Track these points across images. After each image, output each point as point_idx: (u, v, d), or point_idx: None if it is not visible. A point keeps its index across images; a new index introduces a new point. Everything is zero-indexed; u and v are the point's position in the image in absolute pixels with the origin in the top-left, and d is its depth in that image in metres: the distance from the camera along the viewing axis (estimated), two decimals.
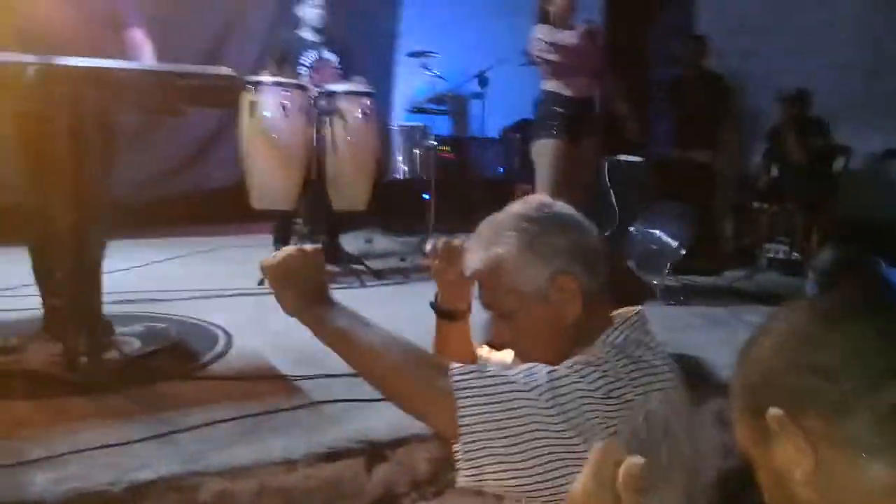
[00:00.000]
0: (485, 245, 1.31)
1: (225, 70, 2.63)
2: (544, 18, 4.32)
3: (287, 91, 4.41)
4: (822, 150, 5.43)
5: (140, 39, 3.07)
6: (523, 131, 5.93)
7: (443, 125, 6.96)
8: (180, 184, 6.22)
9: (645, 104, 6.78)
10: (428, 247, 1.51)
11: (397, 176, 5.21)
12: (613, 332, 1.28)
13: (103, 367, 2.52)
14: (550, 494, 1.13)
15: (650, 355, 1.25)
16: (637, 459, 0.72)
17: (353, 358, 1.18)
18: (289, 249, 1.23)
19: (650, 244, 4.57)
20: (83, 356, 2.48)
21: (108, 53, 2.66)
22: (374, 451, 2.14)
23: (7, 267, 3.42)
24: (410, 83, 7.31)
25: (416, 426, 1.75)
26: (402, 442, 2.15)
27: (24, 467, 1.88)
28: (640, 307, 1.35)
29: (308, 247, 1.25)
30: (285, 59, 4.83)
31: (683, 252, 4.49)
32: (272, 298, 1.21)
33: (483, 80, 5.99)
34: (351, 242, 5.18)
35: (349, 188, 4.63)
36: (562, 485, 1.11)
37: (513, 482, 1.12)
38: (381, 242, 5.73)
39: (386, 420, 2.20)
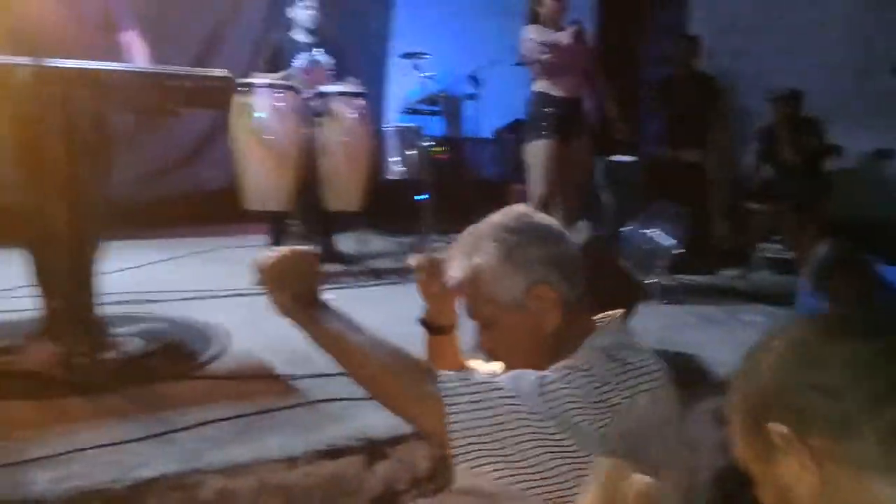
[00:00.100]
0: (465, 255, 1.33)
1: (218, 71, 2.63)
2: (534, 19, 4.34)
3: (279, 92, 4.43)
4: (814, 150, 5.46)
5: (133, 41, 3.07)
6: (517, 132, 5.95)
7: (436, 126, 6.96)
8: (175, 185, 6.21)
9: (636, 104, 6.81)
10: (412, 262, 1.52)
11: (391, 177, 5.21)
12: (597, 336, 1.30)
13: (102, 367, 2.52)
14: (546, 489, 1.15)
15: (635, 356, 1.27)
16: (645, 478, 0.72)
17: (344, 359, 1.20)
18: (283, 250, 1.24)
19: (644, 244, 4.59)
20: (81, 356, 2.49)
21: (102, 55, 2.67)
22: (374, 449, 2.15)
23: (4, 268, 3.41)
24: (403, 84, 7.31)
25: None
26: (401, 439, 2.16)
27: (25, 467, 1.88)
28: (620, 310, 1.37)
29: (302, 247, 1.27)
30: (278, 61, 4.84)
31: (677, 251, 4.52)
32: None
33: (476, 81, 6.01)
34: (345, 243, 5.18)
35: (343, 188, 4.65)
36: (557, 480, 1.13)
37: (509, 478, 1.14)
38: (376, 243, 5.73)
39: (385, 418, 2.18)
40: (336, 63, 4.94)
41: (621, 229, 4.78)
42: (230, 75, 2.66)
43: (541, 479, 1.13)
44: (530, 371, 1.20)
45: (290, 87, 4.50)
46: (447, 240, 1.44)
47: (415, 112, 6.49)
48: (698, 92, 5.71)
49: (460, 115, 7.29)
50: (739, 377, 0.87)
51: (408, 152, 5.14)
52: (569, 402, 1.15)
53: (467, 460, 1.12)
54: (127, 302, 3.49)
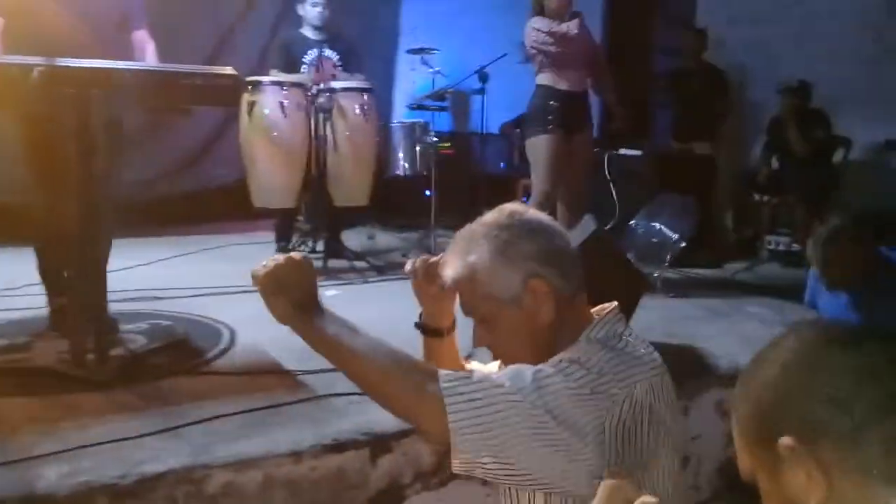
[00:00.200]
0: (460, 255, 1.35)
1: (227, 69, 2.66)
2: (539, 12, 4.34)
3: (286, 89, 4.45)
4: (823, 142, 5.43)
5: (145, 40, 3.10)
6: (524, 126, 5.95)
7: (443, 121, 6.97)
8: (183, 182, 6.26)
9: (645, 96, 6.79)
10: (407, 267, 1.53)
11: (398, 172, 5.23)
12: (594, 328, 1.31)
13: (110, 363, 2.54)
14: (545, 484, 1.17)
15: (631, 347, 1.29)
16: (650, 499, 0.72)
17: (343, 363, 1.21)
18: (278, 258, 1.25)
19: (651, 237, 4.59)
20: (90, 353, 2.51)
21: (116, 55, 2.70)
22: (379, 443, 2.17)
23: (13, 266, 3.45)
24: (411, 80, 7.33)
25: None
26: (406, 433, 2.17)
27: (35, 462, 1.91)
28: (616, 302, 1.38)
29: (296, 254, 1.28)
30: (288, 58, 4.86)
31: (684, 244, 4.52)
32: None
33: (483, 76, 6.01)
34: (353, 239, 5.21)
35: (350, 184, 4.67)
36: (556, 475, 1.15)
37: (504, 477, 1.16)
38: (383, 238, 5.76)
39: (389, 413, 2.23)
40: (344, 59, 4.96)
41: (628, 222, 4.79)
42: (238, 73, 2.68)
43: (540, 474, 1.15)
44: (527, 366, 1.22)
45: (297, 85, 4.53)
46: (454, 235, 1.44)
47: (422, 107, 6.50)
48: (707, 84, 5.69)
49: (468, 111, 7.29)
50: (744, 387, 0.87)
51: (415, 148, 5.15)
52: (566, 396, 1.16)
53: (467, 457, 1.14)
54: (136, 299, 3.52)
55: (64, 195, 2.53)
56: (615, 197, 5.42)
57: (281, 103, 4.39)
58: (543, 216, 1.39)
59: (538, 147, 4.33)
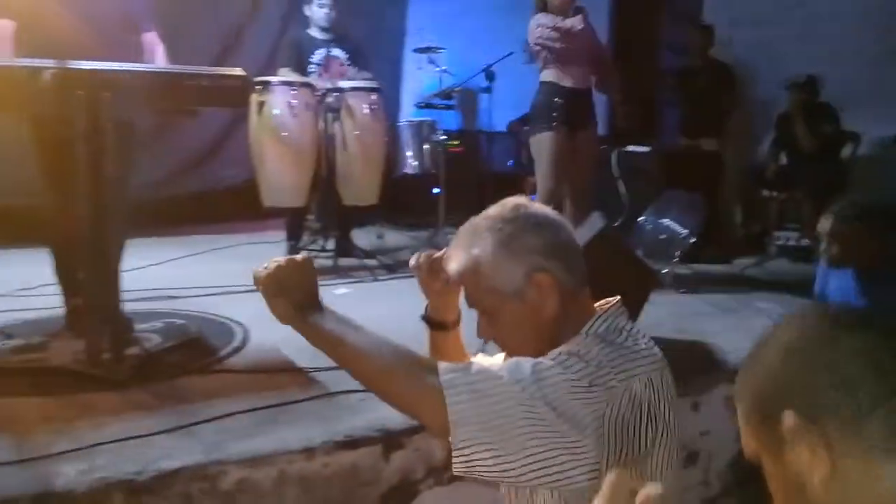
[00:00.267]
0: (464, 248, 1.36)
1: (236, 70, 2.68)
2: (542, 8, 4.34)
3: (294, 89, 4.48)
4: (831, 137, 5.42)
5: (154, 43, 3.13)
6: (528, 123, 5.96)
7: (451, 120, 6.98)
8: (194, 182, 6.30)
9: (652, 93, 6.79)
10: (411, 262, 1.55)
11: (407, 171, 5.25)
12: (595, 321, 1.32)
13: (125, 362, 2.57)
14: (545, 477, 1.17)
15: (631, 341, 1.30)
16: (655, 488, 0.72)
17: (345, 361, 1.23)
18: (279, 260, 1.27)
19: (659, 233, 4.60)
20: (105, 352, 2.54)
21: (122, 57, 2.72)
22: (391, 439, 2.19)
23: (28, 268, 3.49)
24: (418, 79, 7.35)
25: None
26: (417, 429, 2.19)
27: (53, 459, 1.94)
28: (618, 297, 1.39)
29: (297, 256, 1.30)
30: (296, 58, 4.89)
31: (692, 240, 4.52)
32: None
33: (490, 74, 6.02)
34: (362, 237, 5.24)
35: (359, 183, 4.69)
36: (556, 468, 1.15)
37: (503, 471, 1.16)
38: (392, 237, 5.78)
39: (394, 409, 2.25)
40: (352, 59, 4.98)
41: (637, 219, 4.79)
42: (246, 74, 2.70)
43: (539, 467, 1.15)
44: (527, 359, 1.22)
45: (306, 84, 4.55)
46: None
47: (429, 106, 6.51)
48: (714, 80, 5.68)
49: (475, 109, 7.30)
50: (748, 367, 0.88)
51: (423, 146, 5.17)
52: (565, 389, 1.17)
53: (463, 450, 1.14)
54: (149, 298, 3.55)
55: (75, 197, 2.55)
56: (623, 194, 5.43)
57: (290, 103, 4.42)
58: (549, 210, 1.40)
59: (542, 144, 4.34)
